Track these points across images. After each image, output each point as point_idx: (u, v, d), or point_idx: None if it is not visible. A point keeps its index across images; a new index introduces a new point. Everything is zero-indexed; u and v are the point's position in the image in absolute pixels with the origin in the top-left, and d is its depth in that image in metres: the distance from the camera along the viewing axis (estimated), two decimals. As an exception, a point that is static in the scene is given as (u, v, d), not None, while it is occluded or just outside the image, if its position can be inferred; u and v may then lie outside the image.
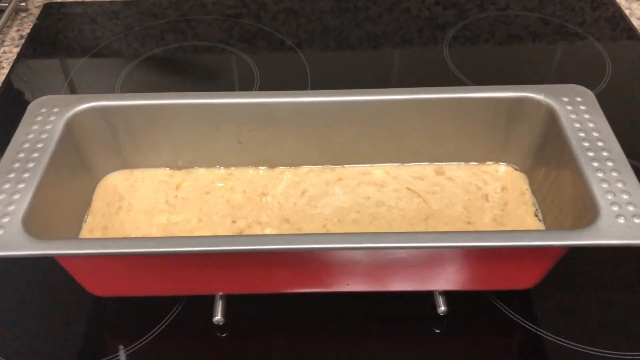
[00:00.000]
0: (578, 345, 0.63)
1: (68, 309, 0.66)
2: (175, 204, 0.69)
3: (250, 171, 0.72)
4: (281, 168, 0.72)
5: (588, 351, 0.62)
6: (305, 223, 0.67)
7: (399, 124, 0.69)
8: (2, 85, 0.94)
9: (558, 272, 0.62)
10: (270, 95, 0.68)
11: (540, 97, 0.66)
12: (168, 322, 0.65)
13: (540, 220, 0.66)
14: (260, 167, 0.72)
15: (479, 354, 0.63)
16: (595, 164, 0.59)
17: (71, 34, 1.05)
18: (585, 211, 0.57)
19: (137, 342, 0.63)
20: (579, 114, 0.64)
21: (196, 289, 0.63)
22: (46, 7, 1.09)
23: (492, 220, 0.67)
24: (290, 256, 0.58)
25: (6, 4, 1.05)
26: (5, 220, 0.55)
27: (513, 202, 0.68)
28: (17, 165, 0.60)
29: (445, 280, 0.61)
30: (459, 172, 0.71)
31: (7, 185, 0.58)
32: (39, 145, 0.62)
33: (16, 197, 0.57)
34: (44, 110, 0.65)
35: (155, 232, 0.66)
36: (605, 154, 0.60)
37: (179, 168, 0.72)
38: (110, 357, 0.63)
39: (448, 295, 0.64)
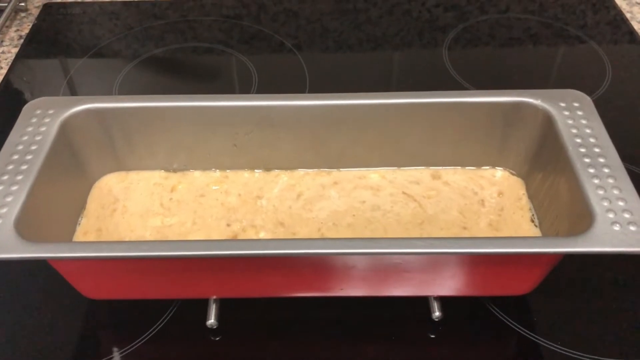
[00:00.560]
0: (574, 352, 0.63)
1: (61, 311, 0.66)
2: (170, 206, 0.69)
3: (245, 174, 0.71)
4: (277, 171, 0.72)
5: (584, 358, 0.62)
6: (300, 227, 0.67)
7: (396, 127, 0.68)
8: (0, 86, 0.94)
9: (554, 278, 0.62)
10: (266, 99, 0.68)
11: (537, 102, 0.65)
12: (161, 325, 0.64)
13: (536, 226, 0.66)
14: (255, 170, 0.72)
15: (473, 360, 0.63)
16: (592, 170, 0.59)
17: (70, 34, 1.05)
18: (581, 217, 0.56)
19: (130, 345, 0.63)
20: (576, 120, 0.63)
21: (190, 293, 0.63)
22: (45, 8, 1.09)
23: (488, 226, 0.66)
24: (284, 261, 0.57)
25: (5, 4, 1.05)
26: (-2, 222, 0.55)
27: (509, 207, 0.68)
28: (10, 167, 0.60)
29: (440, 285, 0.61)
30: (456, 177, 0.71)
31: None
32: (33, 147, 0.62)
33: (9, 199, 0.57)
34: (38, 111, 0.65)
35: (149, 235, 0.66)
36: (601, 160, 0.60)
37: (174, 170, 0.72)
38: (104, 360, 0.63)
39: (443, 300, 0.63)
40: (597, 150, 0.60)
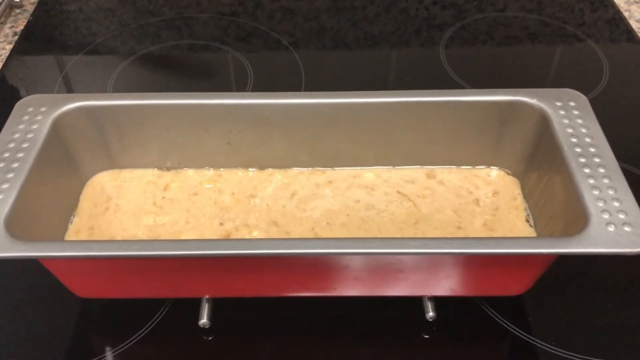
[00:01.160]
0: (569, 352, 0.62)
1: (53, 310, 0.66)
2: (163, 205, 0.68)
3: (239, 172, 0.71)
4: (271, 170, 0.71)
5: (578, 358, 0.62)
6: (293, 226, 0.66)
7: (391, 126, 0.68)
8: (-6, 82, 0.93)
9: (549, 278, 0.61)
10: (261, 97, 0.67)
11: (533, 101, 0.65)
12: (154, 324, 0.64)
13: (531, 226, 0.65)
14: (249, 169, 0.71)
15: (467, 361, 0.63)
16: (587, 170, 0.58)
17: (66, 30, 1.05)
18: (576, 218, 0.56)
19: (123, 345, 0.63)
20: (572, 119, 0.63)
21: (182, 292, 0.63)
22: (41, 4, 1.09)
23: (483, 225, 0.66)
24: (277, 261, 0.57)
25: (0, 0, 1.04)
26: (-13, 221, 0.54)
27: (504, 207, 0.67)
28: (1, 165, 0.59)
29: (434, 286, 0.61)
30: (451, 176, 0.70)
31: (-10, 186, 0.57)
32: (25, 145, 0.61)
33: (-1, 197, 0.56)
34: (30, 109, 0.65)
35: (141, 234, 0.66)
36: (597, 160, 0.59)
37: (168, 169, 0.71)
38: (96, 359, 0.62)
39: (437, 300, 0.63)
40: (592, 150, 0.60)
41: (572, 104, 0.64)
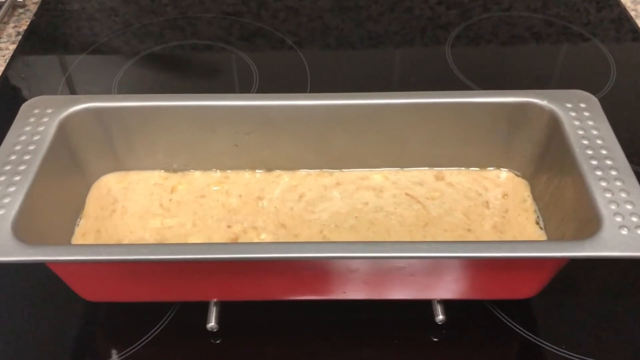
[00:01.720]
0: (579, 355, 0.62)
1: (60, 313, 0.65)
2: (170, 207, 0.68)
3: (246, 174, 0.70)
4: (278, 171, 0.71)
5: (589, 362, 0.61)
6: (301, 229, 0.66)
7: (399, 128, 0.68)
8: (-2, 83, 0.93)
9: (559, 281, 0.60)
10: (268, 98, 0.67)
11: (543, 102, 0.65)
12: (161, 327, 0.64)
13: (541, 229, 0.65)
14: (257, 171, 0.71)
15: (477, 364, 0.62)
16: (599, 173, 0.58)
17: (69, 30, 1.04)
18: (588, 221, 0.56)
19: (130, 348, 0.62)
20: (583, 121, 0.62)
21: (190, 296, 0.62)
22: (44, 3, 1.08)
23: (493, 228, 0.65)
24: (285, 264, 0.56)
25: (3, 0, 1.04)
26: (-5, 224, 0.54)
27: (514, 209, 0.67)
28: (7, 167, 0.59)
29: (444, 289, 0.60)
30: (460, 178, 0.70)
31: (-3, 189, 0.57)
32: (31, 148, 0.61)
33: (6, 200, 0.56)
34: (36, 111, 0.64)
35: (149, 237, 0.65)
36: (608, 162, 0.59)
37: (174, 171, 0.71)
38: (102, 363, 0.62)
39: (446, 303, 0.63)
40: (604, 152, 0.60)
41: (582, 105, 0.64)
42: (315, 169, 0.71)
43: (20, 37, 1.01)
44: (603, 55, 0.97)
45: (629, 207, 0.55)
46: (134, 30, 1.03)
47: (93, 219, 0.66)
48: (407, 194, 0.68)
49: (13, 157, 0.60)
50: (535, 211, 0.67)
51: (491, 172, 0.70)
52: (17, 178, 0.58)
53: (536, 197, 0.67)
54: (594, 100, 0.65)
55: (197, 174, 0.70)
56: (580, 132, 0.61)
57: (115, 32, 1.03)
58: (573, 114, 0.63)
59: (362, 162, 0.70)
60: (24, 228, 0.55)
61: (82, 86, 0.94)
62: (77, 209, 0.67)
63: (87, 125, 0.66)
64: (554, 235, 0.63)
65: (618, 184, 0.57)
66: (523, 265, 0.57)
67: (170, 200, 0.68)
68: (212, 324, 0.61)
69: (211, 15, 1.06)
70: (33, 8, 1.07)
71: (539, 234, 0.64)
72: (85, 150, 0.67)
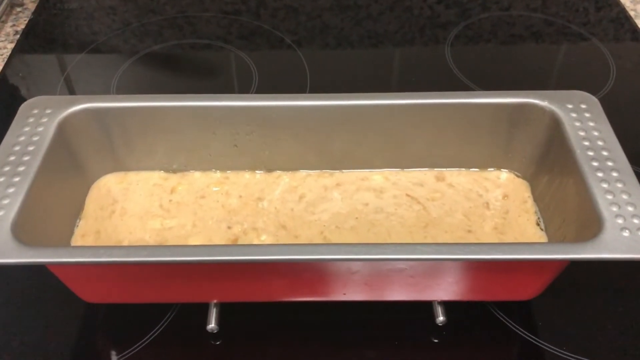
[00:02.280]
0: (579, 357, 0.62)
1: (59, 315, 0.65)
2: (170, 208, 0.67)
3: (246, 175, 0.70)
4: (278, 172, 0.70)
5: (589, 363, 0.61)
6: (302, 230, 0.65)
7: (399, 129, 0.67)
8: (-4, 82, 0.92)
9: (560, 282, 0.60)
10: (268, 99, 0.66)
11: (544, 103, 0.64)
12: (161, 329, 0.63)
13: (542, 230, 0.65)
14: (257, 171, 0.70)
15: (478, 366, 0.62)
16: (600, 174, 0.58)
17: (68, 29, 1.03)
18: (589, 223, 0.55)
19: (130, 350, 0.62)
20: (584, 122, 0.62)
21: (190, 297, 0.62)
22: (42, 2, 1.07)
23: (493, 229, 0.65)
24: (286, 266, 0.56)
25: (1, -1, 1.04)
26: (-6, 226, 0.54)
27: (514, 210, 0.67)
28: (7, 168, 0.58)
29: (445, 290, 0.60)
30: (460, 179, 0.70)
31: (-4, 190, 0.57)
32: (31, 148, 0.60)
33: (5, 202, 0.56)
34: (36, 111, 0.64)
35: (148, 238, 0.65)
36: (610, 163, 0.59)
37: (174, 171, 0.70)
38: (102, 364, 0.62)
39: (447, 304, 0.62)
40: (605, 153, 0.59)
41: (583, 106, 0.64)
42: (315, 169, 0.70)
43: (18, 35, 1.01)
44: (602, 55, 0.97)
45: (630, 208, 0.55)
46: (133, 29, 1.03)
47: (92, 220, 0.66)
48: (407, 195, 0.68)
49: (12, 158, 0.59)
50: (535, 212, 0.66)
51: (492, 173, 0.70)
52: (17, 179, 0.58)
53: (537, 198, 0.67)
54: (594, 101, 0.64)
55: (197, 174, 0.70)
56: (582, 133, 0.61)
57: (114, 31, 1.02)
58: (574, 114, 0.63)
59: (362, 163, 0.70)
60: (23, 229, 0.55)
61: (80, 85, 0.94)
62: (76, 209, 0.67)
63: (87, 125, 0.66)
64: (555, 236, 0.62)
65: (619, 185, 0.57)
66: (525, 267, 0.57)
67: (170, 201, 0.68)
68: (212, 325, 0.61)
69: (210, 14, 1.05)
70: (31, 7, 1.07)
71: (539, 235, 0.64)
72: (84, 151, 0.67)
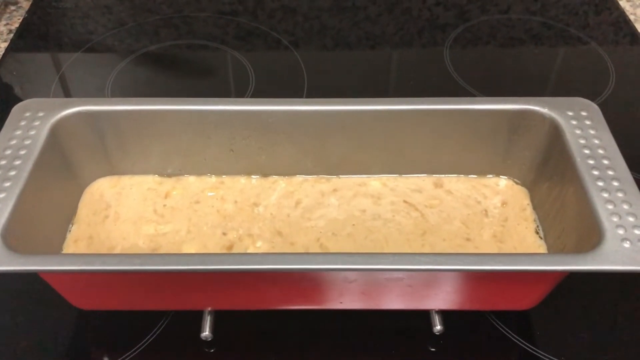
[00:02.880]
0: (578, 367, 0.61)
1: (50, 322, 0.64)
2: (164, 213, 0.66)
3: (242, 180, 0.69)
4: (275, 177, 0.69)
5: (588, 374, 0.61)
6: (298, 236, 0.65)
7: (397, 134, 0.67)
8: (-11, 82, 0.91)
9: (558, 291, 0.60)
10: (265, 103, 0.65)
11: (544, 110, 0.64)
12: (154, 336, 0.62)
13: (541, 238, 0.64)
14: (252, 176, 0.70)
15: (475, 376, 0.62)
16: (601, 184, 0.57)
17: (62, 28, 1.02)
18: (590, 233, 0.55)
19: (122, 358, 0.61)
20: (584, 129, 0.62)
21: (184, 305, 0.61)
22: (36, 0, 1.06)
23: (492, 237, 0.65)
24: (281, 275, 0.55)
25: (-5, -3, 1.02)
26: (-17, 232, 0.53)
27: (513, 217, 0.66)
28: (-2, 173, 0.57)
29: (443, 300, 0.59)
30: (459, 185, 0.69)
31: (-13, 195, 0.56)
32: (22, 152, 0.59)
33: (-4, 207, 0.55)
34: (28, 114, 0.63)
35: (142, 243, 0.64)
36: (610, 172, 0.58)
37: (169, 175, 0.70)
38: (94, 372, 0.61)
39: (444, 313, 0.62)
40: (605, 162, 0.59)
41: (584, 113, 0.63)
42: (312, 174, 0.70)
43: (12, 34, 1.00)
44: (602, 58, 0.97)
45: (631, 219, 0.54)
46: (128, 28, 1.02)
47: (85, 225, 0.65)
48: (405, 202, 0.67)
49: (3, 162, 0.58)
50: (535, 220, 0.66)
51: (490, 180, 0.69)
52: (8, 184, 0.57)
53: (536, 206, 0.67)
54: (595, 108, 0.64)
55: (192, 179, 0.69)
56: (582, 141, 0.61)
57: (110, 30, 1.01)
58: (574, 122, 0.62)
59: (359, 169, 0.69)
60: (15, 235, 0.54)
61: (75, 85, 0.93)
62: (69, 214, 0.66)
63: (80, 128, 0.65)
64: (555, 246, 0.62)
65: (620, 195, 0.56)
66: (524, 277, 0.56)
67: (165, 205, 0.67)
68: (206, 333, 0.60)
69: (207, 15, 1.04)
70: (25, 5, 1.05)
71: (538, 244, 0.63)
72: (77, 154, 0.66)
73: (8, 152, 0.59)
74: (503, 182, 0.69)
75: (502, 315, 0.64)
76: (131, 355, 0.61)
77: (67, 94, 0.91)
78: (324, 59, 0.99)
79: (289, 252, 0.63)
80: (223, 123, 0.66)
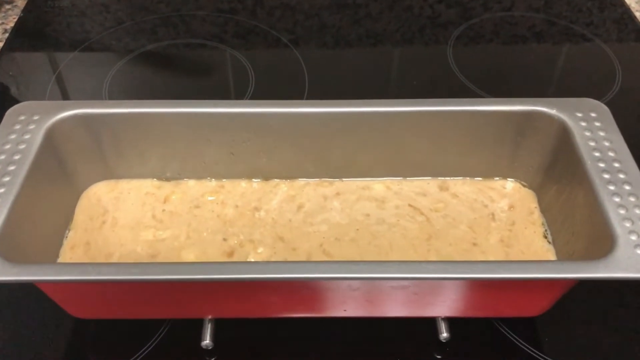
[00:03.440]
0: (587, 374, 0.60)
1: (47, 331, 0.62)
2: (163, 218, 0.65)
3: (243, 184, 0.68)
4: (276, 181, 0.68)
5: (597, 382, 0.59)
6: (300, 242, 0.63)
7: (401, 136, 0.65)
8: (-16, 82, 0.90)
9: (567, 298, 0.58)
10: (265, 105, 0.64)
11: (552, 111, 0.62)
12: (153, 345, 0.61)
13: (549, 243, 0.62)
14: (253, 180, 0.68)
15: (482, 383, 0.60)
16: (612, 187, 0.55)
17: (58, 27, 1.01)
18: (600, 238, 0.53)
19: (120, 367, 0.60)
20: (594, 131, 0.60)
21: (184, 313, 0.60)
22: (32, -1, 1.05)
23: (499, 242, 0.63)
24: (284, 284, 0.54)
25: (-11, -4, 1.01)
26: (-23, 241, 0.51)
27: (521, 221, 0.65)
28: (-8, 179, 0.56)
29: (449, 307, 0.58)
30: (464, 188, 0.67)
31: (-20, 202, 0.54)
32: (17, 157, 0.58)
33: (-10, 213, 0.53)
34: (22, 117, 0.61)
35: (140, 250, 0.62)
36: (622, 176, 0.56)
37: (167, 179, 0.68)
38: (91, 382, 0.59)
39: (451, 319, 0.60)
40: (616, 165, 0.57)
41: (593, 114, 0.61)
42: (314, 178, 0.68)
43: (7, 34, 0.98)
44: (607, 56, 0.95)
45: (644, 224, 0.52)
46: (126, 27, 1.00)
47: (82, 231, 0.63)
48: (410, 205, 0.66)
49: (-3, 167, 0.57)
50: (543, 224, 0.64)
51: (497, 183, 0.68)
52: (1, 190, 0.55)
53: (544, 209, 0.65)
54: (605, 109, 0.62)
55: (191, 182, 0.68)
56: (592, 144, 0.59)
57: (107, 29, 1.00)
58: (584, 123, 0.61)
59: (363, 171, 0.68)
60: (9, 243, 0.53)
61: (72, 85, 0.91)
62: (65, 219, 0.64)
63: (76, 132, 0.63)
64: (563, 250, 0.60)
65: (632, 199, 0.54)
66: (533, 285, 0.54)
67: (163, 210, 0.66)
68: (207, 341, 0.59)
69: (205, 13, 1.03)
70: (21, 4, 1.04)
71: (547, 249, 0.62)
72: (73, 159, 0.64)
73: (2, 157, 0.58)
74: (510, 184, 0.67)
75: (509, 322, 0.63)
76: (130, 365, 0.60)
77: (64, 94, 0.89)
78: (325, 57, 0.97)
79: (291, 261, 0.61)
80: (222, 126, 0.64)
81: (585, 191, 0.57)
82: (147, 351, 0.60)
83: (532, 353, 0.61)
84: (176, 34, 0.99)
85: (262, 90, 0.88)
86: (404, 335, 0.62)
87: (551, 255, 0.62)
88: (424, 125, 0.64)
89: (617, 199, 0.54)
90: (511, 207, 0.66)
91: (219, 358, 0.60)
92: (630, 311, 0.65)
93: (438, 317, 0.60)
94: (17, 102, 0.64)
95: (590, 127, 0.60)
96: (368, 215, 0.65)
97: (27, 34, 0.99)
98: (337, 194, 0.67)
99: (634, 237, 0.51)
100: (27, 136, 0.60)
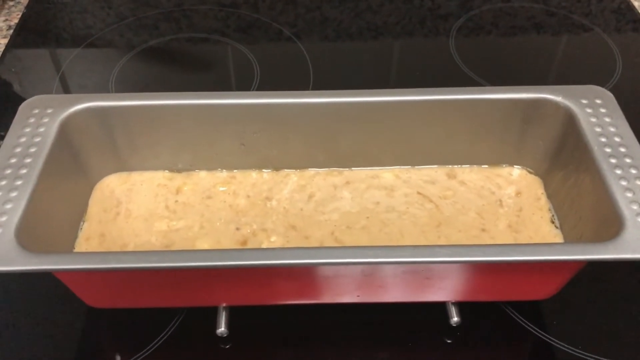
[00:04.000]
0: (595, 356, 0.61)
1: (63, 320, 0.63)
2: (176, 209, 0.66)
3: (253, 174, 0.69)
4: (286, 171, 0.69)
5: (605, 363, 0.60)
6: (312, 230, 0.64)
7: (409, 125, 0.66)
8: (-10, 79, 0.90)
9: (575, 281, 0.59)
10: (274, 96, 0.65)
11: (558, 98, 0.63)
12: (169, 333, 0.62)
13: (557, 228, 0.63)
14: (264, 170, 0.69)
15: (492, 366, 0.61)
16: (618, 172, 0.56)
17: (62, 23, 1.01)
18: (608, 221, 0.54)
19: (137, 356, 0.60)
20: (600, 117, 0.61)
21: (199, 301, 0.60)
22: (35, -5, 1.05)
23: (508, 227, 0.64)
24: (298, 270, 0.55)
25: (-7, -7, 1.01)
26: (-3, 232, 0.52)
27: (528, 207, 0.66)
28: (8, 171, 0.56)
29: (460, 291, 0.59)
30: (472, 176, 0.68)
31: (-2, 194, 0.55)
32: (32, 150, 0.58)
33: (8, 206, 0.54)
34: (36, 111, 0.62)
35: (155, 240, 0.63)
36: (628, 160, 0.57)
37: (179, 171, 0.69)
38: (109, 371, 0.60)
39: (461, 304, 0.61)
40: (623, 150, 0.58)
41: (598, 101, 0.62)
42: (324, 167, 0.69)
43: (11, 30, 0.99)
44: (607, 45, 0.96)
45: (651, 207, 0.53)
46: (128, 23, 1.01)
47: (96, 223, 0.64)
48: (419, 193, 0.67)
49: (13, 160, 0.57)
50: (550, 209, 0.65)
51: (504, 170, 0.69)
52: (19, 182, 0.56)
53: (550, 195, 0.66)
54: (609, 96, 0.63)
55: (203, 173, 0.69)
56: (598, 130, 0.60)
57: (109, 25, 1.00)
58: (589, 110, 0.62)
59: (372, 160, 0.69)
60: (27, 234, 0.53)
61: (77, 81, 0.92)
62: (80, 212, 0.65)
63: (89, 125, 0.64)
64: (571, 235, 0.61)
65: (639, 183, 0.55)
66: (542, 267, 0.55)
67: (176, 201, 0.66)
68: (222, 329, 0.60)
69: (207, 7, 1.03)
70: (24, 1, 1.04)
71: (555, 234, 0.63)
72: (87, 151, 0.65)
73: (18, 149, 0.58)
74: (517, 171, 0.69)
75: (517, 305, 0.64)
76: (147, 353, 0.60)
77: (68, 90, 0.90)
78: (328, 50, 0.98)
79: (306, 247, 0.62)
80: (233, 117, 0.65)
81: (592, 176, 0.58)
82: (162, 340, 0.61)
83: (540, 336, 0.62)
84: (178, 29, 1.00)
85: (268, 83, 0.89)
86: (414, 320, 0.63)
87: (559, 240, 0.63)
88: (431, 114, 0.65)
89: (624, 183, 0.55)
90: (518, 193, 0.67)
91: (234, 345, 0.61)
92: (637, 294, 0.66)
93: (448, 301, 0.61)
94: (21, 99, 0.65)
95: (596, 113, 0.61)
96: (378, 203, 0.66)
97: (30, 31, 0.99)
98: (347, 182, 0.68)
99: (641, 219, 0.52)
100: (41, 129, 0.60)
